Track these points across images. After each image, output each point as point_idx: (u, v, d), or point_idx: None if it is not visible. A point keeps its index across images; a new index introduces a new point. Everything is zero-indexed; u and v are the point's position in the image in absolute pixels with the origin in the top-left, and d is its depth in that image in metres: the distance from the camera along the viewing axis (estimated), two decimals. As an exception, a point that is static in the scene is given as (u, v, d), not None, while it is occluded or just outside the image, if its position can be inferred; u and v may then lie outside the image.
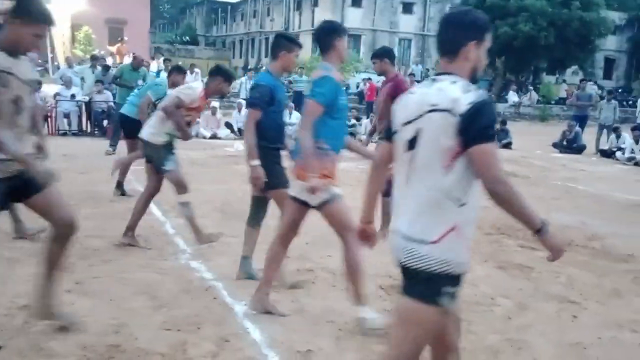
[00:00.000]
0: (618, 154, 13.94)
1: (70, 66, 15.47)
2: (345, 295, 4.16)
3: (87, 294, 3.94)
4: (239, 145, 12.41)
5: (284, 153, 4.19)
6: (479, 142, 2.02)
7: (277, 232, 3.80)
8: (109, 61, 18.94)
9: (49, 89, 13.95)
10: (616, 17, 37.88)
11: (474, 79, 2.20)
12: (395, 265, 2.25)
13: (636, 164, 13.14)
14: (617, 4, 39.42)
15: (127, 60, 14.43)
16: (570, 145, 15.10)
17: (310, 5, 39.60)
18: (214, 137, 14.29)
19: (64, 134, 13.16)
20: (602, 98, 18.12)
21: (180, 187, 4.98)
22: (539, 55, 29.58)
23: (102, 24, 32.62)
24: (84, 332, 3.32)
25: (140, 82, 10.69)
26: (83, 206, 6.25)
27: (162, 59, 19.41)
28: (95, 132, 13.52)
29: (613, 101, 16.29)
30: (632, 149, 13.55)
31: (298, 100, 17.06)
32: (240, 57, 47.33)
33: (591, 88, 22.77)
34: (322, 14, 37.84)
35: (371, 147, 4.69)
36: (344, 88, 5.45)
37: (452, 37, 2.20)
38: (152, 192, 5.20)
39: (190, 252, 5.03)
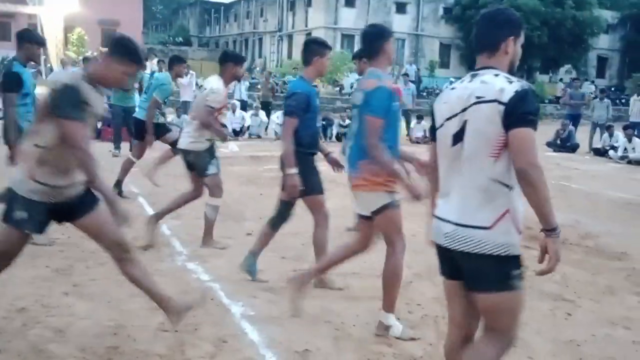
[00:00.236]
0: (611, 152, 14.03)
1: (64, 68, 15.43)
2: (343, 296, 4.19)
3: (85, 296, 3.96)
4: (234, 147, 12.41)
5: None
6: (519, 126, 2.12)
7: (352, 247, 3.79)
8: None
9: (42, 92, 13.90)
10: (609, 16, 38.11)
11: (511, 72, 2.33)
12: (440, 252, 2.39)
13: (629, 162, 13.22)
14: (610, 2, 39.65)
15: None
16: (564, 144, 15.18)
17: (303, 6, 39.61)
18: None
19: None
20: (595, 97, 18.21)
21: (217, 191, 5.13)
22: (533, 55, 29.69)
23: (95, 26, 32.57)
24: (83, 334, 3.34)
25: (135, 84, 10.70)
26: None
27: (155, 59, 19.39)
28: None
29: (606, 100, 16.37)
30: (625, 148, 13.64)
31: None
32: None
33: (588, 87, 22.90)
34: (316, 14, 37.91)
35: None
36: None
37: (492, 33, 2.34)
38: (191, 198, 5.30)
39: (187, 253, 5.05)
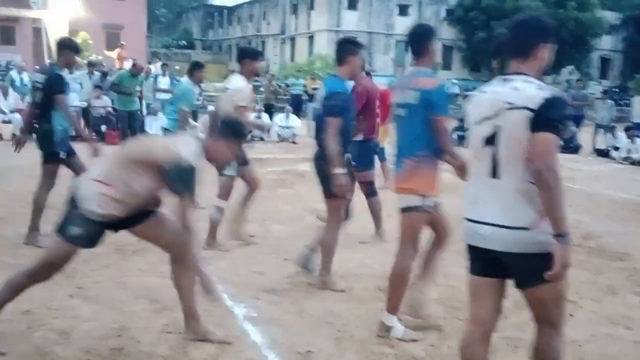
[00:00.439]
0: (614, 153, 14.02)
1: (71, 72, 15.51)
2: (345, 297, 4.22)
3: (89, 298, 3.99)
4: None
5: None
6: (543, 130, 2.20)
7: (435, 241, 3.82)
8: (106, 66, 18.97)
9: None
10: (611, 17, 38.06)
11: (540, 77, 2.40)
12: (474, 252, 2.47)
13: (632, 163, 13.21)
14: (612, 4, 39.59)
15: (127, 65, 14.45)
16: (567, 145, 15.14)
17: (306, 9, 39.70)
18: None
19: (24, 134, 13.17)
20: (596, 98, 18.20)
21: (225, 193, 5.22)
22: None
23: (100, 30, 32.67)
24: (87, 336, 3.37)
25: (138, 87, 10.75)
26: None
27: (159, 63, 19.45)
28: (93, 137, 13.56)
29: (609, 100, 16.36)
30: (628, 148, 13.63)
31: (296, 103, 17.17)
32: (237, 60, 47.40)
33: (594, 87, 22.87)
34: (318, 17, 37.99)
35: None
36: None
37: (525, 40, 2.41)
38: (252, 193, 5.44)
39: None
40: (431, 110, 3.33)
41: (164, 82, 16.05)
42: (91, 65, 15.06)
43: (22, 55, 30.33)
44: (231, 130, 3.16)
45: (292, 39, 41.17)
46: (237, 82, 5.19)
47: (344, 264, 4.58)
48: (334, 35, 37.07)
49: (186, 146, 3.00)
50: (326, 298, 4.15)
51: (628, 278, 4.89)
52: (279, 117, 15.39)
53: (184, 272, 3.26)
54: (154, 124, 13.32)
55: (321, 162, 4.18)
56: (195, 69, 6.93)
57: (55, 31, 18.21)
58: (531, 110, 2.22)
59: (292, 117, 15.14)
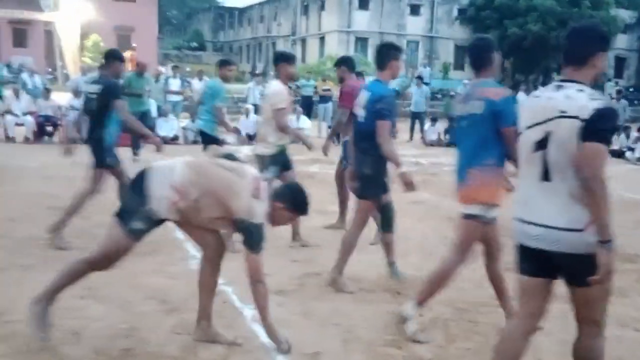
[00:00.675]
0: (628, 153, 13.90)
1: (84, 75, 15.67)
2: (352, 298, 4.23)
3: (99, 299, 4.03)
4: (247, 150, 12.48)
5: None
6: (592, 140, 2.30)
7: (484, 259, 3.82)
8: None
9: (58, 97, 14.13)
10: (626, 15, 37.70)
11: (594, 84, 2.49)
12: (524, 252, 2.55)
13: (646, 164, 13.10)
14: (627, 2, 39.19)
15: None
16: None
17: (317, 9, 39.73)
18: (222, 142, 14.37)
19: (74, 142, 13.31)
20: (611, 97, 18.06)
21: None
22: (549, 55, 29.51)
23: (111, 32, 32.91)
24: (97, 336, 3.41)
25: (147, 87, 10.80)
26: (94, 213, 6.35)
27: (170, 65, 19.58)
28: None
29: (623, 100, 16.24)
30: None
31: (306, 104, 17.17)
32: (248, 62, 47.58)
33: (612, 87, 22.68)
34: (329, 18, 37.99)
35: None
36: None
37: (582, 48, 2.48)
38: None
39: (200, 257, 5.10)
40: (499, 121, 3.33)
41: (174, 83, 16.18)
42: (103, 67, 15.16)
43: (34, 57, 30.61)
44: (298, 204, 3.28)
45: (303, 40, 41.22)
46: (274, 86, 5.37)
47: (352, 266, 4.58)
48: (345, 36, 37.11)
49: (260, 206, 3.10)
50: (333, 300, 4.17)
51: (638, 280, 4.86)
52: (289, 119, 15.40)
53: (212, 273, 3.37)
54: (165, 126, 13.43)
55: (362, 166, 4.29)
56: (220, 66, 6.91)
57: (66, 34, 18.38)
58: (582, 120, 2.30)
59: (303, 118, 15.17)
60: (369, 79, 5.97)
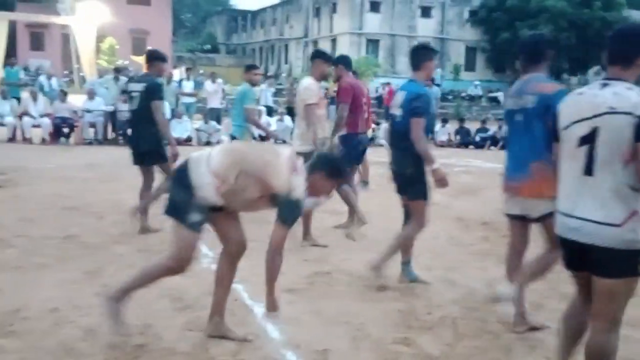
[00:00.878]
0: None
1: (101, 77, 15.85)
2: (361, 296, 4.26)
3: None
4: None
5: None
6: None
7: (508, 255, 3.94)
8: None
9: (74, 99, 14.31)
10: (638, 16, 37.37)
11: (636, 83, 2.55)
12: (566, 245, 2.64)
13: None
14: (639, 3, 38.88)
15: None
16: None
17: (329, 12, 39.81)
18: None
19: (89, 143, 13.50)
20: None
21: None
22: (561, 56, 29.33)
23: (126, 35, 33.26)
24: (112, 333, 3.48)
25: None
26: (108, 213, 6.45)
27: (184, 67, 19.74)
28: (120, 140, 13.83)
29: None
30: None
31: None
32: (260, 64, 47.72)
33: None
34: (341, 20, 38.06)
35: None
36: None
37: (628, 49, 2.56)
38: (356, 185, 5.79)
39: (212, 256, 5.16)
40: (550, 114, 3.34)
41: (188, 86, 16.31)
42: (117, 70, 15.35)
43: (51, 60, 30.96)
44: (336, 172, 3.30)
45: (315, 42, 41.30)
46: (306, 82, 5.49)
47: (361, 265, 4.62)
48: (357, 38, 37.14)
49: (299, 181, 3.13)
50: (343, 298, 4.21)
51: (649, 280, 4.84)
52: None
53: (230, 268, 3.44)
54: (179, 127, 13.55)
55: (403, 166, 4.31)
56: (246, 71, 6.96)
57: (82, 37, 18.59)
58: (636, 116, 2.36)
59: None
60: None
